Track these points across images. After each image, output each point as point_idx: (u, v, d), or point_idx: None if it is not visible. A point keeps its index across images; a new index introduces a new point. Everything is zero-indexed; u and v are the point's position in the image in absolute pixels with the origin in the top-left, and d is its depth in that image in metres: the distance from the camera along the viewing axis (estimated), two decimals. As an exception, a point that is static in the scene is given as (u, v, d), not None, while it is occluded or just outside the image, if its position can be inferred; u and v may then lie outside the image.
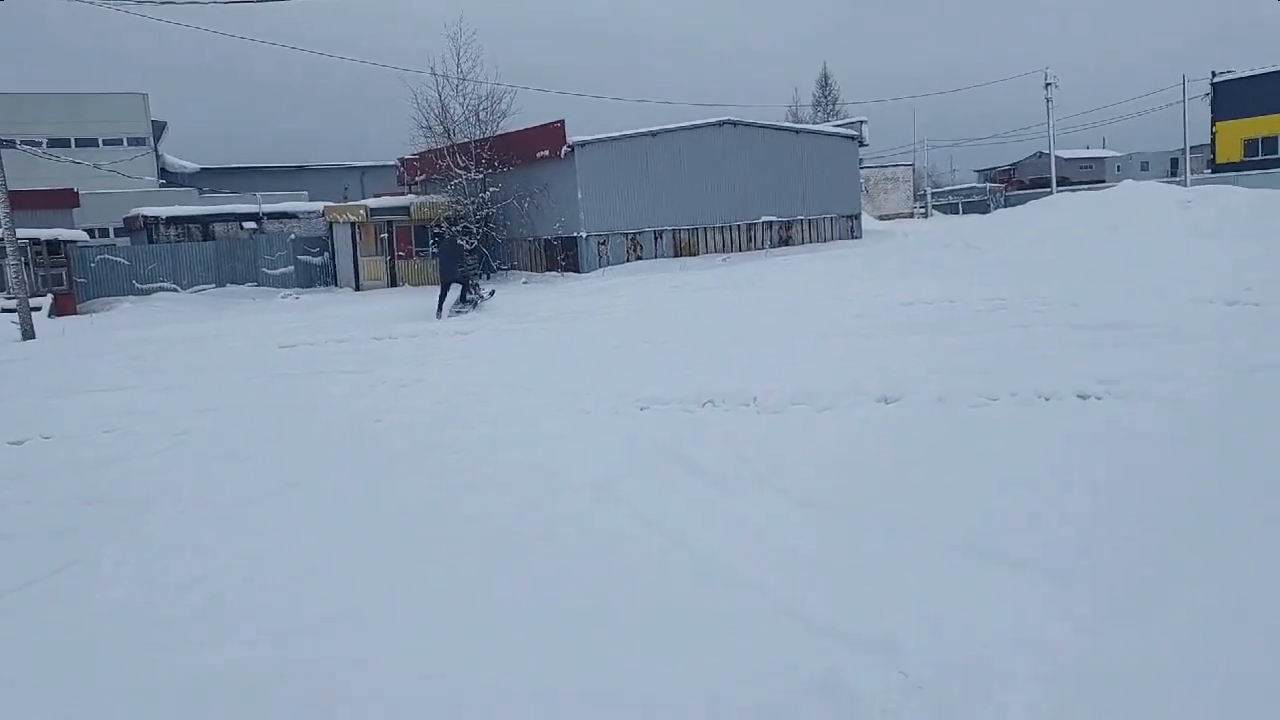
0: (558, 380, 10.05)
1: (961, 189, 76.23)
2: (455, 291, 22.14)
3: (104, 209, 36.53)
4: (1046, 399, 7.42)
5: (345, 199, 37.78)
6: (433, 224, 28.81)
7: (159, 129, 47.39)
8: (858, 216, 32.83)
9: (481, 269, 29.24)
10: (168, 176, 48.39)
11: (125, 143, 43.48)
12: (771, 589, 4.12)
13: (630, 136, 27.59)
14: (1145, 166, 72.49)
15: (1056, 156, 60.26)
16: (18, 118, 40.42)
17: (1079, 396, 7.39)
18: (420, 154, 30.36)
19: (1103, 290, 14.25)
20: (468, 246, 24.99)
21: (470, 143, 27.73)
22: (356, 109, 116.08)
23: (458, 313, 22.08)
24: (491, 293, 22.94)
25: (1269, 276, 14.02)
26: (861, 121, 32.45)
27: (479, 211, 27.88)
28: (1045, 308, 12.80)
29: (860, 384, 8.30)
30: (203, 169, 51.42)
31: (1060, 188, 48.44)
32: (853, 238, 32.10)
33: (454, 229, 26.63)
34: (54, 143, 41.05)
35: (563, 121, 26.38)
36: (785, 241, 30.59)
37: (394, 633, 4.00)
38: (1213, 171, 48.89)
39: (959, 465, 5.83)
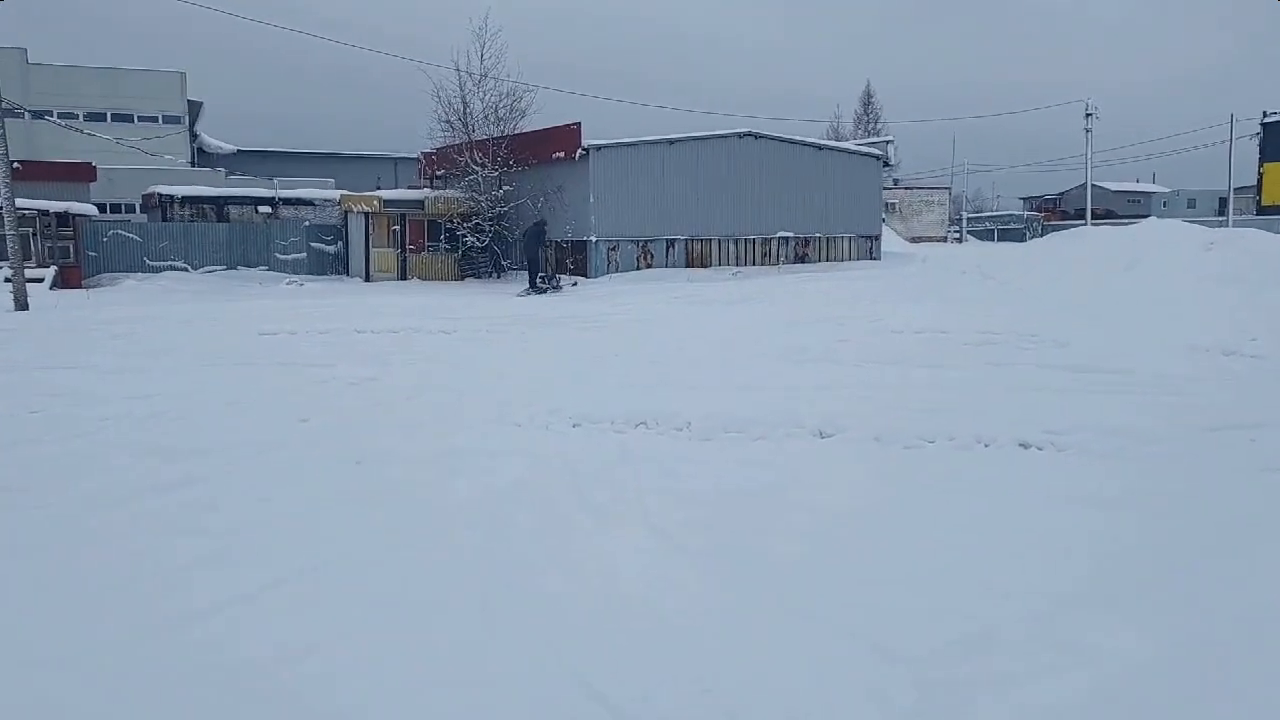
0: (506, 390, 9.77)
1: (1000, 216, 74.97)
2: (533, 272, 22.95)
3: (130, 184, 36.85)
4: (985, 445, 6.96)
5: (379, 188, 37.79)
6: (446, 219, 28.66)
7: (195, 109, 47.84)
8: (878, 237, 32.18)
9: (493, 267, 29.09)
10: (204, 157, 48.89)
11: (160, 120, 43.96)
12: (573, 647, 3.73)
13: (647, 143, 27.20)
14: (1192, 204, 70.75)
15: (1104, 189, 58.92)
16: (55, 90, 41.02)
17: (1020, 445, 6.92)
18: (439, 149, 30.24)
19: (1099, 330, 13.66)
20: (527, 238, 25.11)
21: (488, 140, 27.52)
22: (393, 100, 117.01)
23: (528, 294, 22.50)
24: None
25: (1278, 328, 13.35)
26: (888, 141, 31.79)
27: (492, 209, 27.66)
28: (1032, 346, 12.27)
29: (800, 416, 7.90)
30: (239, 151, 51.91)
31: (1102, 221, 47.29)
32: (871, 259, 31.47)
33: (539, 213, 26.55)
34: (90, 116, 41.59)
35: (579, 123, 26.06)
36: (801, 259, 30.03)
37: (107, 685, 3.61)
38: (1259, 213, 47.47)
39: (855, 517, 5.41)
